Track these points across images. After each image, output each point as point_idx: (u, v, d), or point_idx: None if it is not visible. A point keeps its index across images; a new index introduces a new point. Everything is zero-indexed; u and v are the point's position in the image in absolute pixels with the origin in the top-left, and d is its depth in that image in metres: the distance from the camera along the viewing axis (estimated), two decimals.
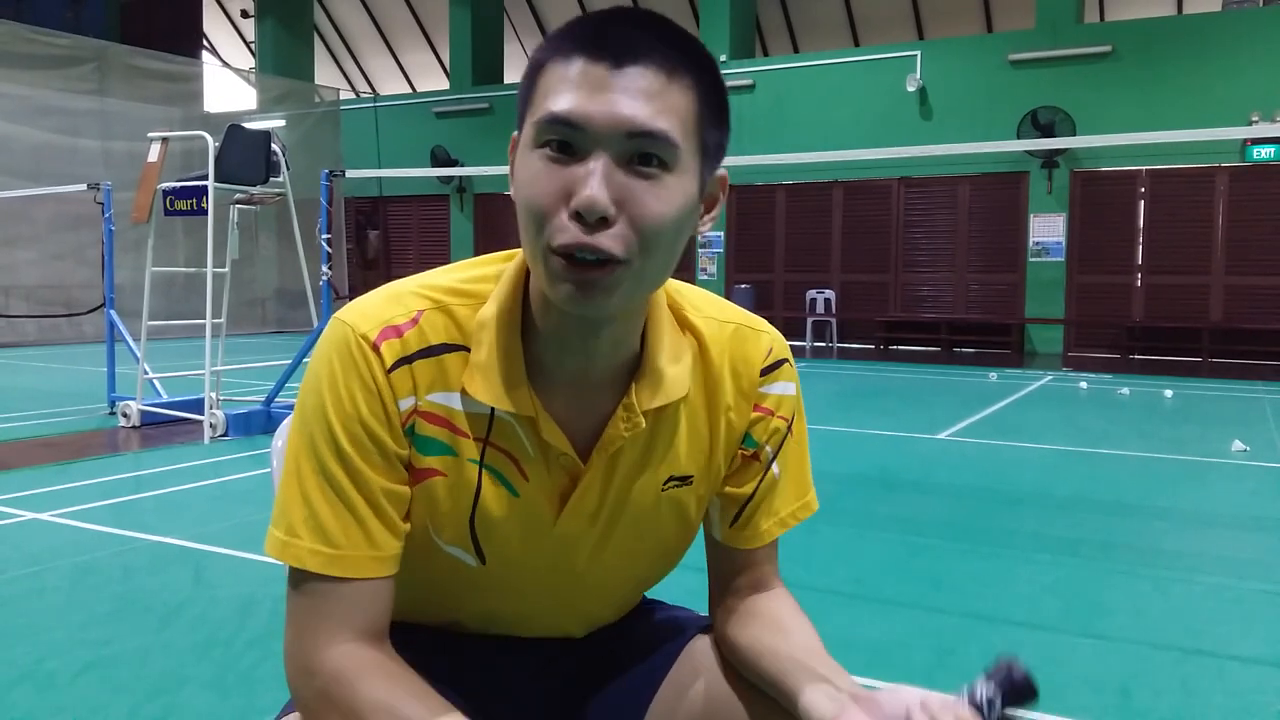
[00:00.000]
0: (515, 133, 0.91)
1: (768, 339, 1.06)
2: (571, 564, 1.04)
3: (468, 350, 0.94)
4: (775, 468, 1.06)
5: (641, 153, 0.82)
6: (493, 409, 0.95)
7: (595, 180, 0.80)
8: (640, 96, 0.81)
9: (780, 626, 1.04)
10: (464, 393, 0.94)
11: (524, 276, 0.96)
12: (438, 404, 0.94)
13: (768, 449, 1.05)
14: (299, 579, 0.91)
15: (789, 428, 1.07)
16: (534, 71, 0.87)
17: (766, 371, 1.05)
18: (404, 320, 0.93)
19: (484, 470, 0.96)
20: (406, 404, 0.93)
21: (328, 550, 0.90)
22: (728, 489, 1.07)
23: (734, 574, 1.10)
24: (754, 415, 1.04)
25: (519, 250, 0.98)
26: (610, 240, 0.82)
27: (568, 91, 0.82)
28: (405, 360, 0.92)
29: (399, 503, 0.94)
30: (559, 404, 0.96)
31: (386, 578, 0.93)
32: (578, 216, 0.81)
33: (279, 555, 0.91)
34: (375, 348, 0.91)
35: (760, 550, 1.09)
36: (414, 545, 0.99)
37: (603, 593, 1.11)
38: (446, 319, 0.95)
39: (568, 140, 0.82)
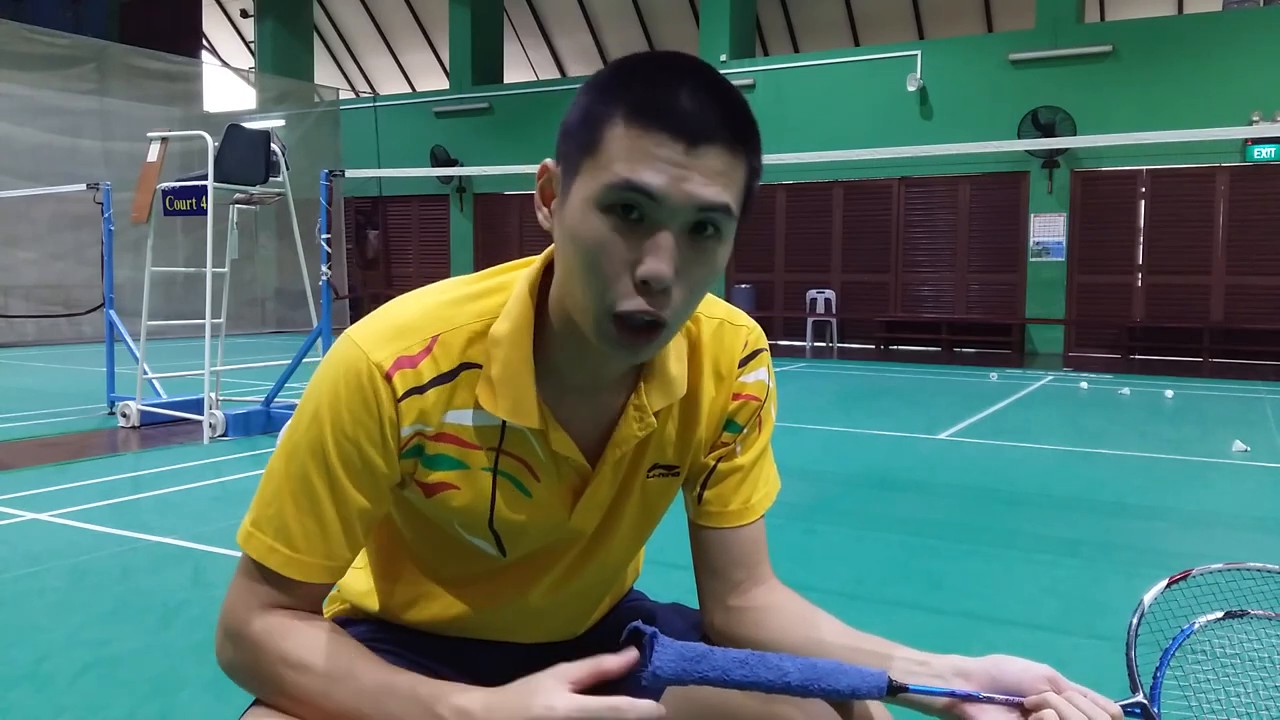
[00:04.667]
0: (550, 161, 0.93)
1: (745, 332, 1.11)
2: (580, 550, 1.09)
3: (480, 367, 0.97)
4: (739, 447, 1.11)
5: (701, 221, 0.87)
6: (504, 421, 0.98)
7: (666, 256, 0.85)
8: (712, 175, 0.85)
9: (804, 618, 1.07)
10: (477, 407, 0.97)
11: (536, 289, 0.98)
12: (448, 424, 0.97)
13: (740, 434, 1.11)
14: (250, 566, 0.96)
15: (759, 411, 1.11)
16: (596, 123, 0.87)
17: (744, 362, 1.10)
18: (419, 349, 0.95)
19: (498, 477, 1.01)
20: (410, 430, 0.96)
21: (286, 551, 0.94)
22: (696, 464, 1.11)
23: (728, 565, 1.11)
24: (733, 404, 1.09)
25: (527, 259, 1.02)
26: (667, 309, 0.87)
27: (643, 163, 0.84)
28: (417, 390, 0.95)
29: (370, 522, 0.98)
30: (568, 409, 1.00)
31: (331, 581, 0.98)
32: (644, 285, 0.85)
33: (242, 544, 0.96)
34: (388, 377, 0.94)
35: (747, 537, 1.11)
36: (436, 535, 1.05)
37: (598, 580, 1.15)
38: (460, 340, 0.97)
39: (637, 206, 0.85)
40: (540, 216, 0.95)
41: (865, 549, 3.85)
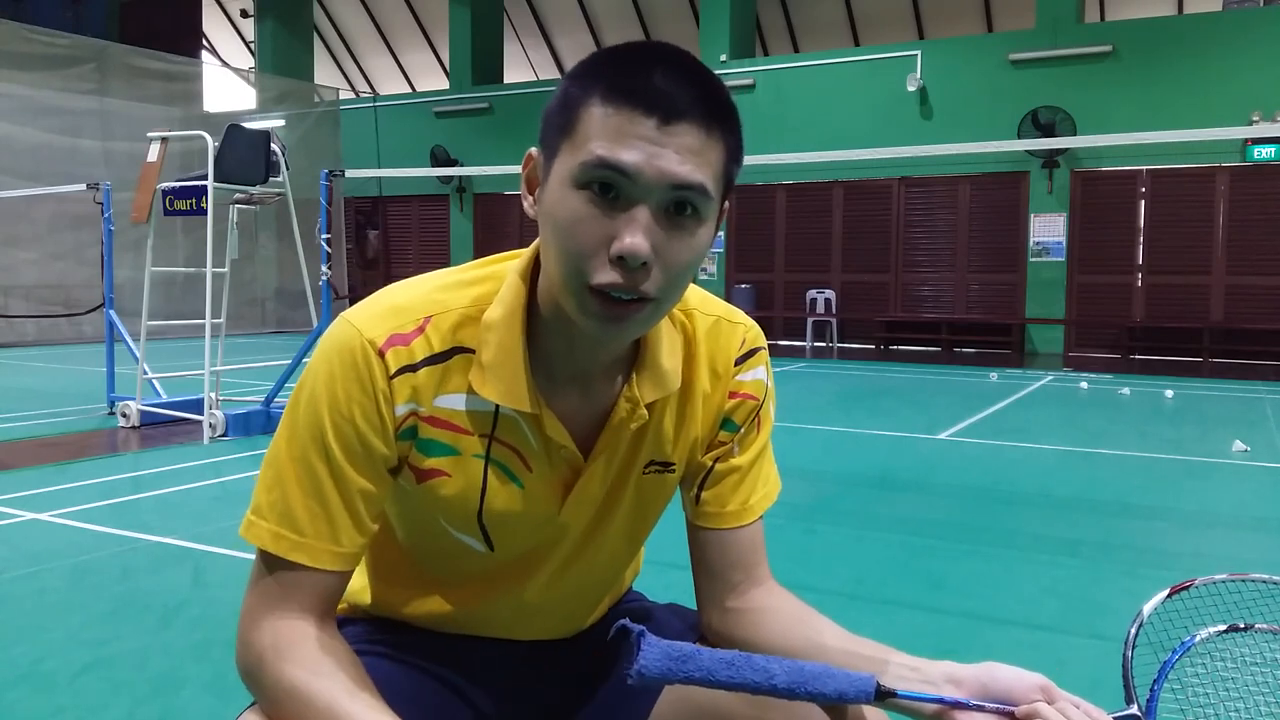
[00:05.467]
0: (534, 150, 0.94)
1: (743, 329, 1.10)
2: (572, 546, 1.08)
3: (473, 352, 0.97)
4: (737, 447, 1.10)
5: (678, 201, 0.87)
6: (497, 406, 0.98)
7: (639, 231, 0.85)
8: (685, 153, 0.86)
9: (802, 620, 1.07)
10: (470, 391, 0.97)
11: (529, 278, 0.99)
12: (440, 407, 0.97)
13: (739, 430, 1.10)
14: (259, 563, 0.95)
15: (757, 411, 1.11)
16: (573, 105, 0.88)
17: (741, 360, 1.09)
18: (411, 328, 0.96)
19: (490, 465, 1.00)
20: (404, 409, 0.96)
21: (292, 536, 0.94)
22: (693, 463, 1.11)
23: (726, 567, 1.10)
24: (730, 402, 1.09)
25: (520, 251, 1.02)
26: (646, 283, 0.87)
27: (617, 140, 0.85)
28: (410, 368, 0.95)
29: (373, 504, 0.97)
30: (561, 398, 1.00)
31: (343, 572, 0.97)
32: (620, 261, 0.85)
33: (244, 534, 0.95)
34: (380, 354, 0.94)
35: (745, 538, 1.10)
36: (425, 531, 1.05)
37: (593, 578, 1.14)
38: (452, 323, 0.97)
39: (612, 183, 0.85)
40: (526, 205, 0.95)
41: (865, 549, 3.85)
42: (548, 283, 0.95)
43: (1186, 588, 1.09)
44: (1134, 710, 0.97)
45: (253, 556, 0.97)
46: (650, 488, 1.09)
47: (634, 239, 0.85)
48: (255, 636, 0.93)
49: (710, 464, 1.10)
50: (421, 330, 0.96)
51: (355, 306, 0.99)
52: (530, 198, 0.95)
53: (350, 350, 0.94)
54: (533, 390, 0.98)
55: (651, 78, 0.85)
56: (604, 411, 1.03)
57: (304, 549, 0.94)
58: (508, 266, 1.01)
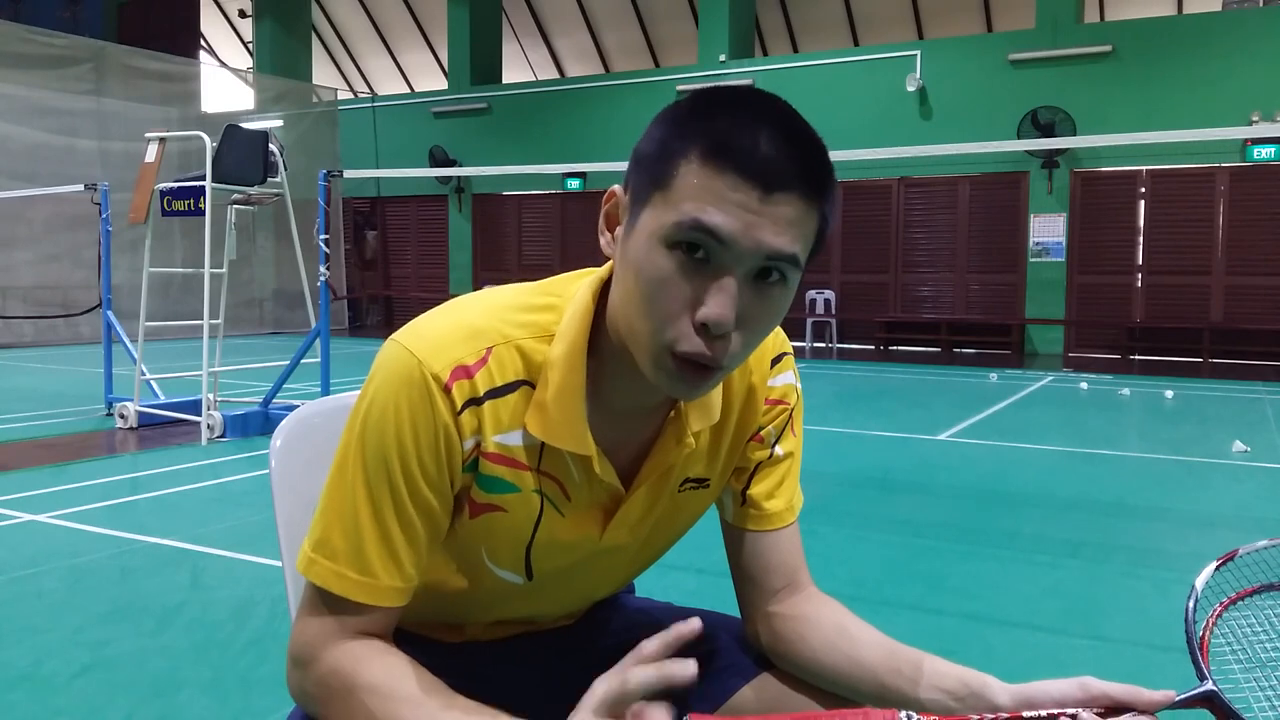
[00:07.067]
0: (618, 187, 0.91)
1: (770, 336, 1.08)
2: (606, 568, 1.08)
3: (533, 386, 0.95)
4: (779, 449, 1.10)
5: (767, 268, 0.85)
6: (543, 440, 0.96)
7: (728, 301, 0.83)
8: (783, 224, 0.83)
9: (842, 630, 1.05)
10: (525, 429, 0.95)
11: (591, 310, 0.96)
12: (501, 443, 0.95)
13: (770, 429, 1.10)
14: (315, 595, 0.93)
15: (790, 414, 1.11)
16: (670, 157, 0.85)
17: (772, 365, 1.08)
18: (474, 360, 0.92)
19: (543, 499, 0.98)
20: (470, 443, 0.93)
21: (355, 576, 0.91)
22: (734, 471, 1.10)
23: (766, 572, 1.10)
24: (764, 408, 1.08)
25: (579, 274, 1.00)
26: (727, 353, 0.86)
27: (714, 204, 0.82)
28: (474, 401, 0.92)
29: (435, 541, 0.96)
30: (609, 430, 0.98)
31: (402, 605, 0.95)
32: (703, 328, 0.84)
33: (303, 571, 0.92)
34: (446, 389, 0.90)
35: (785, 541, 1.10)
36: (464, 565, 1.02)
37: (611, 583, 1.15)
38: (515, 355, 0.94)
39: (702, 245, 0.83)
40: (603, 242, 0.93)
41: (865, 549, 3.85)
42: (623, 325, 0.91)
43: (1232, 558, 1.06)
44: (1209, 686, 0.93)
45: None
46: (685, 504, 1.07)
47: (721, 309, 0.83)
48: (318, 662, 0.91)
49: (750, 469, 1.09)
50: (484, 362, 0.92)
51: (410, 332, 0.94)
52: (608, 234, 0.92)
53: (416, 386, 0.90)
54: (587, 434, 0.95)
55: (757, 142, 0.82)
56: (648, 439, 1.01)
57: (366, 589, 0.91)
58: (568, 294, 0.97)
